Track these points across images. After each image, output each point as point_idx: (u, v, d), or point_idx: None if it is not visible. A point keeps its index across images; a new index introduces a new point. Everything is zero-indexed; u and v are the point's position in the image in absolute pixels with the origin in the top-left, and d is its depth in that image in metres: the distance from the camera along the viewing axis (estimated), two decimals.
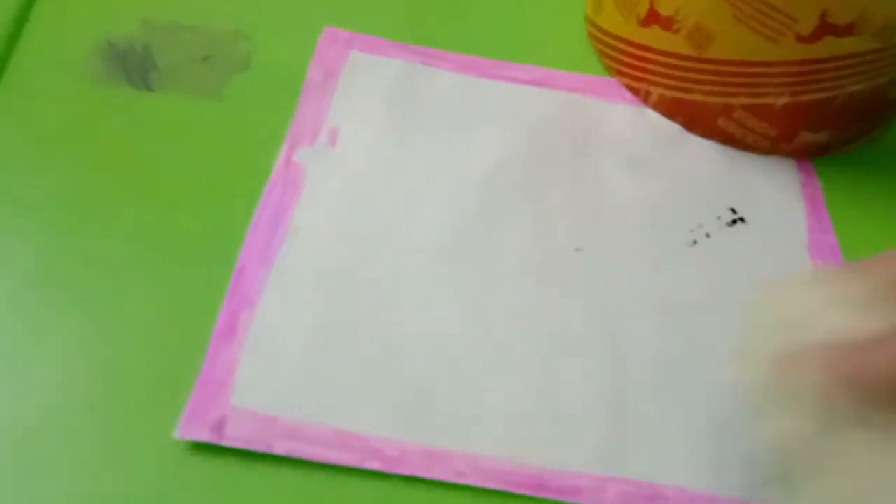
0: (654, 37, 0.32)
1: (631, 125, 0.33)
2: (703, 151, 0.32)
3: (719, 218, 0.30)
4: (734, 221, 0.30)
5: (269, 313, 0.26)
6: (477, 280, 0.28)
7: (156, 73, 0.32)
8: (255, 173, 0.30)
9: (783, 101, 0.30)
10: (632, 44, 0.33)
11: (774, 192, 0.31)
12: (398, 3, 0.37)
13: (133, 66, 0.32)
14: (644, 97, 0.34)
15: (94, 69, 0.32)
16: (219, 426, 0.23)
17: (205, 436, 0.23)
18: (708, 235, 0.30)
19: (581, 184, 0.31)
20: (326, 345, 0.25)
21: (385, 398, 0.24)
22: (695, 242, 0.29)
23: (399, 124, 0.32)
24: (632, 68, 0.34)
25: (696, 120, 0.33)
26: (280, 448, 0.23)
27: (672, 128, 0.33)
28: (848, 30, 0.28)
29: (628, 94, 0.34)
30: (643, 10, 0.32)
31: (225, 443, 0.23)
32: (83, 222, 0.28)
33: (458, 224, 0.29)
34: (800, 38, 0.28)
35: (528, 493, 0.23)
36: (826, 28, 0.28)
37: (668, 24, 0.31)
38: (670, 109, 0.33)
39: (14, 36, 0.32)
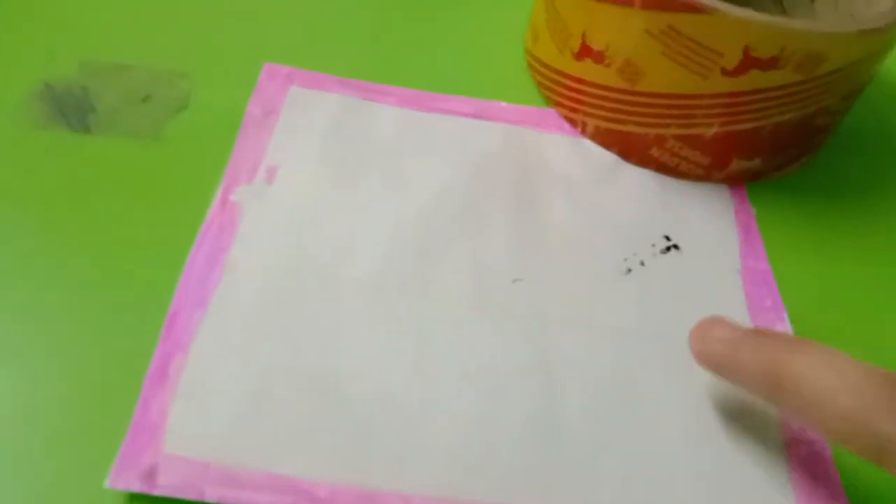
0: (588, 70, 0.32)
1: (569, 155, 0.34)
2: (638, 180, 0.33)
3: (654, 245, 0.31)
4: (668, 249, 0.31)
5: (202, 356, 0.26)
6: (413, 315, 0.28)
7: (94, 115, 0.32)
8: (193, 214, 0.29)
9: (713, 130, 0.31)
10: (567, 76, 0.34)
11: (708, 219, 0.32)
12: (338, 38, 0.37)
13: (71, 109, 0.32)
14: (581, 128, 0.34)
15: (31, 113, 0.32)
16: (150, 474, 0.23)
17: (136, 485, 0.22)
18: (642, 263, 0.30)
19: (520, 215, 0.31)
20: (260, 386, 0.25)
21: (319, 439, 0.24)
22: (629, 270, 0.30)
23: (339, 160, 0.32)
24: (568, 99, 0.34)
25: (630, 150, 0.33)
26: (211, 494, 0.23)
27: (608, 157, 0.34)
28: (771, 63, 0.29)
29: (566, 125, 0.35)
30: (576, 44, 0.32)
31: (156, 492, 0.22)
32: (17, 271, 0.27)
33: (395, 258, 0.29)
34: (725, 72, 0.29)
35: None
36: (750, 62, 0.29)
37: (599, 58, 0.32)
38: (606, 140, 0.34)
39: None
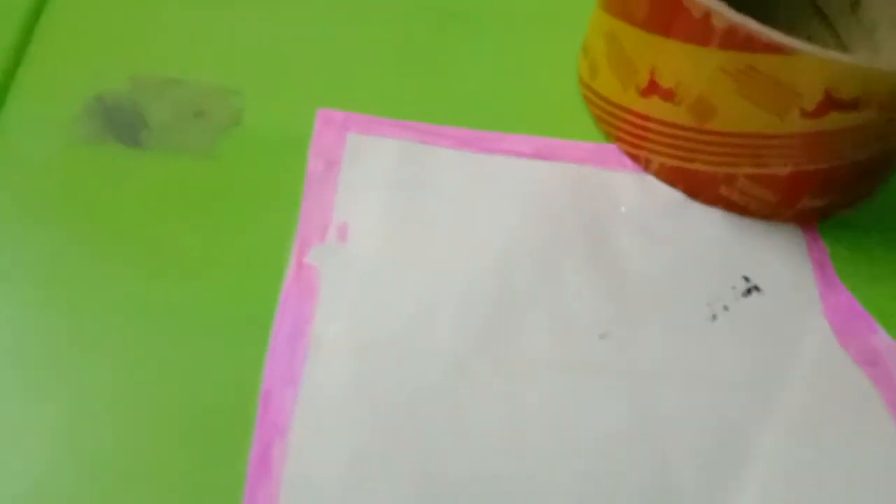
0: (655, 107, 0.32)
1: (635, 195, 0.33)
2: (707, 219, 0.33)
3: (734, 288, 0.30)
4: (749, 291, 0.30)
5: (300, 442, 0.25)
6: (500, 383, 0.27)
7: (146, 130, 0.31)
8: (249, 234, 0.29)
9: (787, 170, 0.31)
10: (631, 112, 0.33)
11: (782, 258, 0.32)
12: (383, 74, 0.36)
13: (122, 124, 0.31)
14: (645, 164, 0.34)
15: (82, 129, 0.31)
16: None
17: None
18: (726, 308, 0.30)
19: (594, 261, 0.31)
20: (360, 474, 0.24)
21: None
22: (714, 317, 0.30)
23: (405, 213, 0.31)
24: (632, 136, 0.34)
25: (697, 188, 0.33)
26: None
27: (674, 195, 0.33)
28: (852, 105, 0.28)
29: (628, 161, 0.34)
30: (643, 80, 0.32)
31: None
32: (74, 295, 0.27)
33: (474, 320, 0.28)
34: (804, 113, 0.29)
35: None
36: (830, 103, 0.28)
37: (668, 95, 0.31)
38: (672, 177, 0.33)
39: None
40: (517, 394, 0.27)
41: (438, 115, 0.35)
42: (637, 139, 0.33)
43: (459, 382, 0.27)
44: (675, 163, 0.33)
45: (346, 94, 0.35)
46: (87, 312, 0.27)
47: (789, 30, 0.38)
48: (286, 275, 0.29)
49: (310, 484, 0.24)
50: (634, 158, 0.34)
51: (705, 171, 0.32)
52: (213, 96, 0.33)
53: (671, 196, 0.33)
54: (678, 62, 0.30)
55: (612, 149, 0.34)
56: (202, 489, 0.24)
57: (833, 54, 0.27)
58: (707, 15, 0.28)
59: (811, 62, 0.27)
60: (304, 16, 0.37)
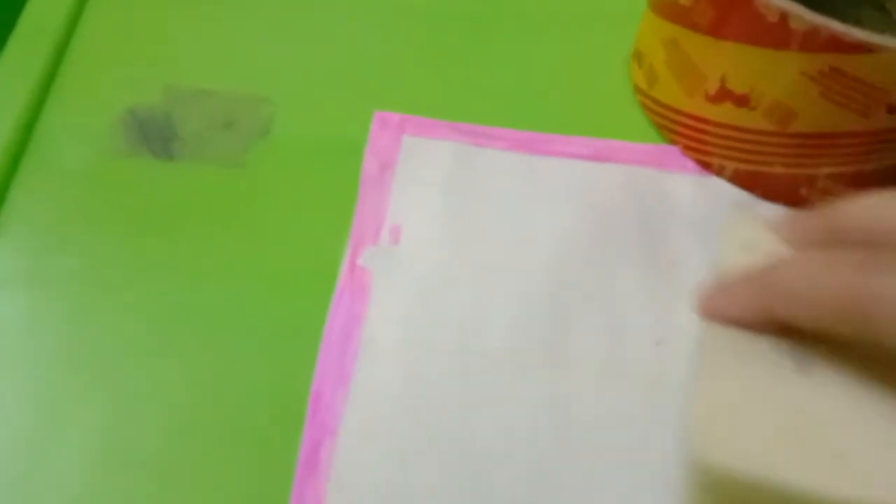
0: (727, 113, 0.30)
1: (696, 196, 0.31)
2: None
3: None
4: None
5: (350, 441, 0.24)
6: (552, 388, 0.26)
7: (178, 141, 0.31)
8: (283, 243, 0.29)
9: (871, 166, 0.29)
10: (698, 118, 0.32)
11: None
12: (436, 76, 0.35)
13: (155, 136, 0.31)
14: (718, 170, 0.32)
15: (116, 141, 0.31)
16: None
17: None
18: None
19: (652, 265, 0.29)
20: (409, 473, 0.24)
21: None
22: None
23: (459, 214, 0.30)
24: (700, 142, 0.32)
25: (776, 191, 0.31)
26: None
27: (739, 197, 0.31)
28: None
29: (689, 163, 0.33)
30: (712, 87, 0.30)
31: None
32: (120, 300, 0.27)
33: (527, 324, 0.27)
34: (890, 109, 0.27)
35: None
36: None
37: (742, 101, 0.30)
38: (748, 182, 0.31)
39: (35, 112, 0.32)
40: (568, 399, 0.26)
41: (490, 118, 0.34)
42: (707, 146, 0.32)
43: (510, 386, 0.26)
44: (751, 167, 0.31)
45: (394, 97, 0.34)
46: (132, 317, 0.27)
47: (840, 16, 0.37)
48: (339, 276, 0.28)
49: (357, 483, 0.23)
50: (705, 165, 0.32)
51: (785, 174, 0.30)
52: (243, 106, 0.33)
53: (735, 198, 0.31)
54: (752, 67, 0.29)
55: (671, 150, 0.33)
56: (250, 487, 0.23)
57: None
58: (784, 17, 0.27)
59: None
60: (336, 23, 0.37)
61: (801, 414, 0.21)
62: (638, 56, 0.35)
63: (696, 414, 0.21)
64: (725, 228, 0.25)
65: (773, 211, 0.31)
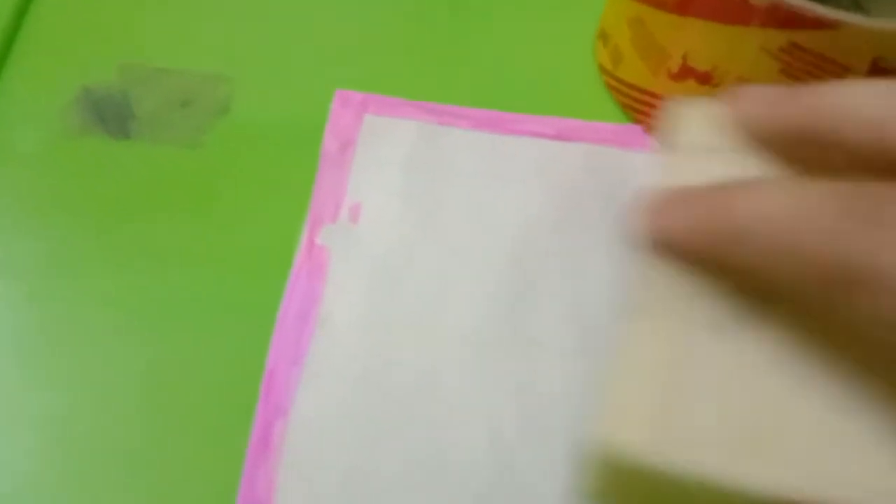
0: (690, 90, 0.30)
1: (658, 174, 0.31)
2: None
3: None
4: None
5: (303, 422, 0.24)
6: (516, 369, 0.26)
7: (134, 121, 0.30)
8: (239, 223, 0.28)
9: None
10: (662, 98, 0.31)
11: None
12: (400, 56, 0.35)
13: (111, 115, 0.30)
14: None
15: (71, 120, 0.30)
16: None
17: None
18: None
19: (615, 244, 0.29)
20: (365, 454, 0.23)
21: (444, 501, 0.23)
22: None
23: (421, 194, 0.30)
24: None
25: None
26: None
27: None
28: None
29: (652, 141, 0.32)
30: (675, 65, 0.30)
31: None
32: (71, 285, 0.26)
33: (490, 305, 0.27)
34: None
35: None
36: (878, 73, 0.27)
37: (705, 78, 0.29)
38: None
39: None
40: (531, 382, 0.25)
41: (454, 97, 0.33)
42: None
43: (472, 368, 0.25)
44: None
45: (356, 76, 0.33)
46: (91, 299, 0.26)
47: None
48: (296, 255, 0.27)
49: (311, 465, 0.23)
50: None
51: None
52: (201, 84, 0.32)
53: None
54: (714, 44, 0.29)
55: (634, 129, 0.33)
56: (202, 468, 0.23)
57: (880, 23, 0.26)
58: None
59: (858, 34, 0.26)
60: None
61: (729, 392, 0.17)
62: (603, 36, 0.35)
63: (609, 385, 0.18)
64: (674, 124, 0.21)
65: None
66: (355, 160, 0.30)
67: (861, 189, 0.15)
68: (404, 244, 0.28)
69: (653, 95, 0.32)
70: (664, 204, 0.18)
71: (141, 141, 0.30)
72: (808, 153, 0.18)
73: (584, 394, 0.25)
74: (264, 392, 0.24)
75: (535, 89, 0.34)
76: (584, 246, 0.29)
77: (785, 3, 0.26)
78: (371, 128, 0.31)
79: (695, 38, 0.29)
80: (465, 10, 0.37)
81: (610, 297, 0.27)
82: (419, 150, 0.31)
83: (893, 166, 0.16)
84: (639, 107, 0.33)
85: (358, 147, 0.31)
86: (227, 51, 0.34)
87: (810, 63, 0.27)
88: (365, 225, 0.28)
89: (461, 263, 0.28)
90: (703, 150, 0.20)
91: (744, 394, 0.17)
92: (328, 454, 0.23)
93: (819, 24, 0.26)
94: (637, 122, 0.33)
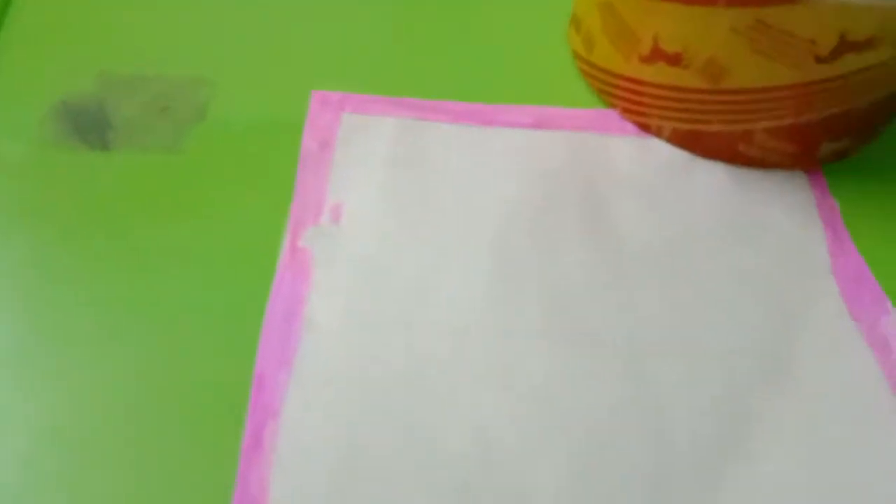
0: (661, 73, 0.30)
1: (637, 159, 0.32)
2: (711, 178, 0.31)
3: (739, 252, 0.29)
4: (754, 254, 0.29)
5: (294, 421, 0.24)
6: (499, 357, 0.26)
7: (112, 131, 0.31)
8: (222, 227, 0.28)
9: (805, 118, 0.29)
10: (634, 80, 0.32)
11: (790, 215, 0.30)
12: (377, 53, 0.35)
13: (88, 127, 0.31)
14: (657, 131, 0.32)
15: (48, 132, 0.30)
16: None
17: None
18: (730, 272, 0.28)
19: (595, 230, 0.29)
20: (355, 448, 0.23)
21: (418, 498, 0.23)
22: (718, 280, 0.28)
23: (402, 191, 0.30)
24: (638, 104, 0.32)
25: (715, 149, 0.31)
26: None
27: (679, 156, 0.32)
28: (867, 44, 0.27)
29: (629, 126, 0.33)
30: (645, 48, 0.30)
31: None
32: (57, 292, 0.26)
33: (472, 296, 0.27)
34: (819, 60, 0.27)
35: None
36: (845, 46, 0.27)
37: (675, 60, 0.30)
38: (686, 141, 0.32)
39: None
40: (513, 368, 0.25)
41: (431, 92, 0.33)
42: (644, 107, 0.32)
43: (454, 357, 0.26)
44: (688, 126, 0.31)
45: (332, 76, 0.33)
46: (71, 307, 0.26)
47: None
48: (279, 259, 0.27)
49: (303, 464, 0.23)
50: (644, 127, 0.32)
51: (720, 131, 0.30)
52: (179, 90, 0.32)
53: (675, 157, 0.31)
54: (683, 26, 0.29)
55: (611, 114, 0.33)
56: (196, 471, 0.23)
57: None
58: None
59: (824, 8, 0.26)
60: (271, 2, 0.36)
61: None
62: (576, 22, 0.35)
63: None
64: None
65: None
66: (335, 159, 0.30)
67: None
68: (387, 242, 0.28)
69: (625, 79, 0.32)
70: None
71: (120, 151, 0.30)
72: None
73: (566, 374, 0.25)
74: (255, 394, 0.24)
75: (512, 79, 0.34)
76: (565, 231, 0.29)
77: None
78: (349, 126, 0.32)
79: (664, 21, 0.29)
80: (438, 4, 0.37)
81: (592, 282, 0.28)
82: (398, 147, 0.31)
83: None
84: (613, 91, 0.33)
85: (337, 146, 0.31)
86: (204, 55, 0.34)
87: (779, 40, 0.27)
88: (347, 225, 0.28)
89: (445, 257, 0.28)
90: None
91: None
92: (319, 454, 0.23)
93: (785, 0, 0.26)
94: (612, 106, 0.33)
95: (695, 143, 0.31)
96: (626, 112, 0.33)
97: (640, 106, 0.32)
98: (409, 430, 0.24)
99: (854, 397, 0.25)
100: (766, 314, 0.27)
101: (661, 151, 0.32)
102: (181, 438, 0.23)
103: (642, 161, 0.31)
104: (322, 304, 0.26)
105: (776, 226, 0.30)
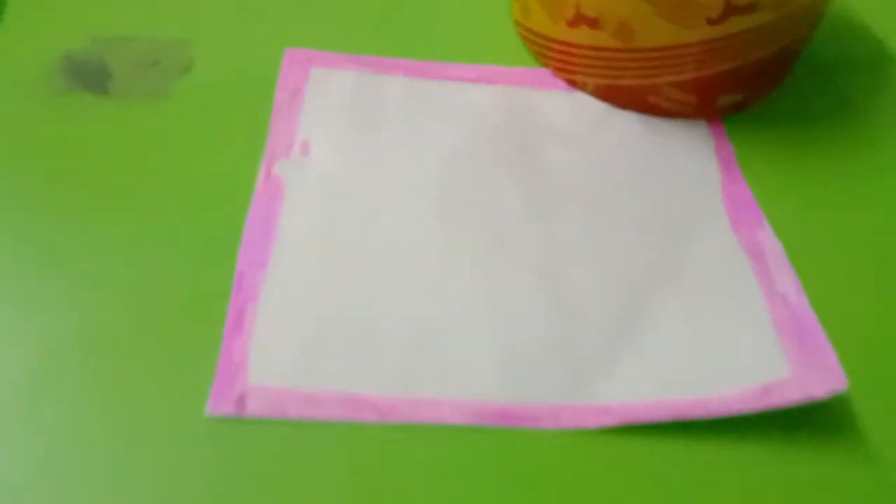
0: (583, 35, 0.36)
1: (564, 110, 0.37)
2: (627, 125, 0.37)
3: (644, 183, 0.34)
4: (657, 185, 0.34)
5: (269, 305, 0.29)
6: (438, 263, 0.31)
7: (111, 80, 0.36)
8: (207, 164, 0.33)
9: (702, 73, 0.35)
10: (563, 43, 0.37)
11: (691, 156, 0.35)
12: (341, 16, 0.40)
13: (91, 76, 0.36)
14: (582, 86, 0.37)
15: (55, 83, 0.35)
16: (241, 402, 0.26)
17: (230, 409, 0.25)
18: (634, 200, 0.33)
19: (526, 169, 0.34)
20: (320, 327, 0.28)
21: (373, 364, 0.28)
22: (629, 210, 0.33)
23: (361, 132, 0.35)
24: (566, 63, 0.37)
25: (629, 100, 0.37)
26: (293, 414, 0.26)
27: (600, 107, 0.37)
28: (750, 8, 0.32)
29: (560, 82, 0.38)
30: (570, 13, 0.36)
31: (248, 415, 0.25)
32: (65, 238, 0.30)
33: (419, 217, 0.32)
34: (710, 22, 0.33)
35: (496, 424, 0.27)
36: (731, 10, 0.32)
37: (594, 24, 0.35)
38: (606, 94, 0.37)
39: None
40: (451, 271, 0.31)
41: (389, 50, 0.39)
42: (571, 66, 0.37)
43: (400, 264, 0.31)
44: (606, 81, 0.36)
45: (303, 35, 0.39)
46: (74, 234, 0.30)
47: None
48: (256, 184, 0.32)
49: (277, 341, 0.28)
50: (572, 83, 0.38)
51: (632, 85, 0.36)
52: (167, 48, 0.37)
53: (597, 108, 0.37)
54: None
55: (545, 73, 0.38)
56: (188, 347, 0.28)
57: None
58: None
59: None
60: None
61: None
62: None
63: None
64: None
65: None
66: (304, 106, 0.35)
67: None
68: (347, 172, 0.33)
69: (556, 42, 0.37)
70: None
71: (117, 96, 0.35)
72: None
73: (491, 282, 0.30)
74: (236, 287, 0.29)
75: (460, 41, 0.40)
76: (500, 171, 0.34)
77: None
78: (317, 79, 0.37)
79: None
80: None
81: (521, 212, 0.33)
82: (358, 96, 0.36)
83: None
84: (546, 52, 0.38)
85: (306, 95, 0.36)
86: (188, 18, 0.39)
87: (675, 4, 0.32)
88: (314, 157, 0.33)
89: (396, 186, 0.33)
90: None
91: None
92: (290, 329, 0.28)
93: None
94: (545, 65, 0.39)
95: (613, 95, 0.37)
96: (557, 70, 0.38)
97: (568, 65, 0.37)
98: (364, 316, 0.29)
99: (730, 290, 0.31)
100: (666, 232, 0.32)
101: (586, 104, 0.37)
102: (178, 324, 0.28)
103: (570, 112, 0.37)
104: (292, 219, 0.31)
105: (680, 165, 0.35)
